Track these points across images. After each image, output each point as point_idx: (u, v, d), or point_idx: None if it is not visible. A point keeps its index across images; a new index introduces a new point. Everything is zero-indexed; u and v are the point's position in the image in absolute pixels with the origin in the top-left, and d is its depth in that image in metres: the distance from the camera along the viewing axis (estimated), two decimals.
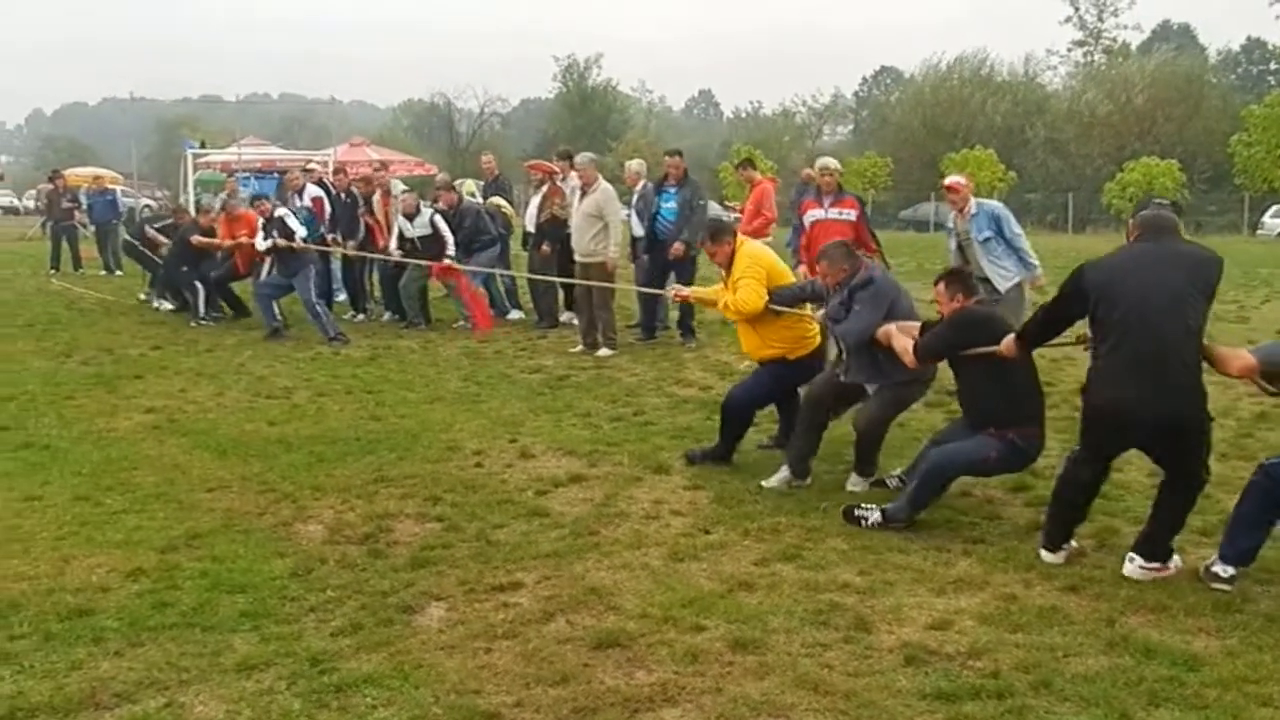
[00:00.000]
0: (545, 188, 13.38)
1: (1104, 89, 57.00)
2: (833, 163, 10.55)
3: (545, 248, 13.21)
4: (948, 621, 4.69)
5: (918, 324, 6.46)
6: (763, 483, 6.83)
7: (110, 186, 19.60)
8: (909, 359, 6.26)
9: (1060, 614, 4.75)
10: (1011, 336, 5.72)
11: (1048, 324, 5.58)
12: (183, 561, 5.50)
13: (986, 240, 9.41)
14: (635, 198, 12.87)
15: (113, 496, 6.65)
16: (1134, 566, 5.20)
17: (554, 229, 13.12)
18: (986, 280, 9.18)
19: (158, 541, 5.80)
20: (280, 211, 13.49)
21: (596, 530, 5.94)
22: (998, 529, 5.96)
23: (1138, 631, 4.57)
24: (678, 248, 11.96)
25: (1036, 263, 9.52)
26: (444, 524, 6.08)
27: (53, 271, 20.83)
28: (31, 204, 47.04)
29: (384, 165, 15.31)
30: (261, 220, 13.32)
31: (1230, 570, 5.04)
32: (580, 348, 11.84)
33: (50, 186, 22.14)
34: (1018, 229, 9.57)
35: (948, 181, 9.90)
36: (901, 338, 6.36)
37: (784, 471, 6.88)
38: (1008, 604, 4.88)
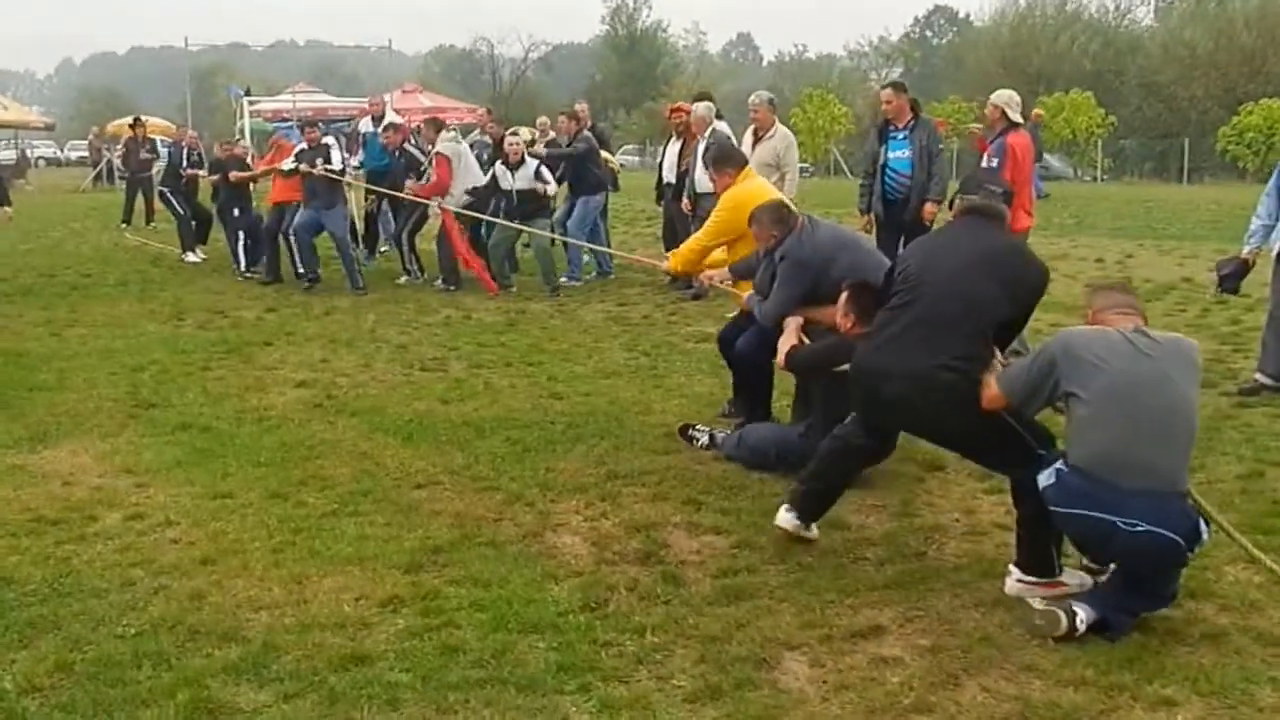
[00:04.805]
0: (685, 134, 12.16)
1: (1203, 26, 52.32)
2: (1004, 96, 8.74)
3: (687, 200, 11.79)
4: None
5: (873, 281, 5.30)
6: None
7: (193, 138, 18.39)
8: (780, 359, 5.77)
9: None
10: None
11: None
12: (439, 586, 4.53)
13: None
14: (703, 146, 11.04)
15: (311, 494, 5.68)
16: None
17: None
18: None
19: (395, 557, 4.82)
20: (328, 140, 12.86)
21: (922, 551, 4.91)
22: None
23: None
24: (930, 209, 9.35)
25: None
26: (726, 537, 5.07)
27: (124, 225, 19.70)
28: (74, 155, 46.04)
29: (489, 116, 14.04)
30: (303, 147, 12.67)
31: None
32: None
33: (130, 135, 20.94)
34: None
35: None
36: (789, 337, 5.78)
37: None
38: None
